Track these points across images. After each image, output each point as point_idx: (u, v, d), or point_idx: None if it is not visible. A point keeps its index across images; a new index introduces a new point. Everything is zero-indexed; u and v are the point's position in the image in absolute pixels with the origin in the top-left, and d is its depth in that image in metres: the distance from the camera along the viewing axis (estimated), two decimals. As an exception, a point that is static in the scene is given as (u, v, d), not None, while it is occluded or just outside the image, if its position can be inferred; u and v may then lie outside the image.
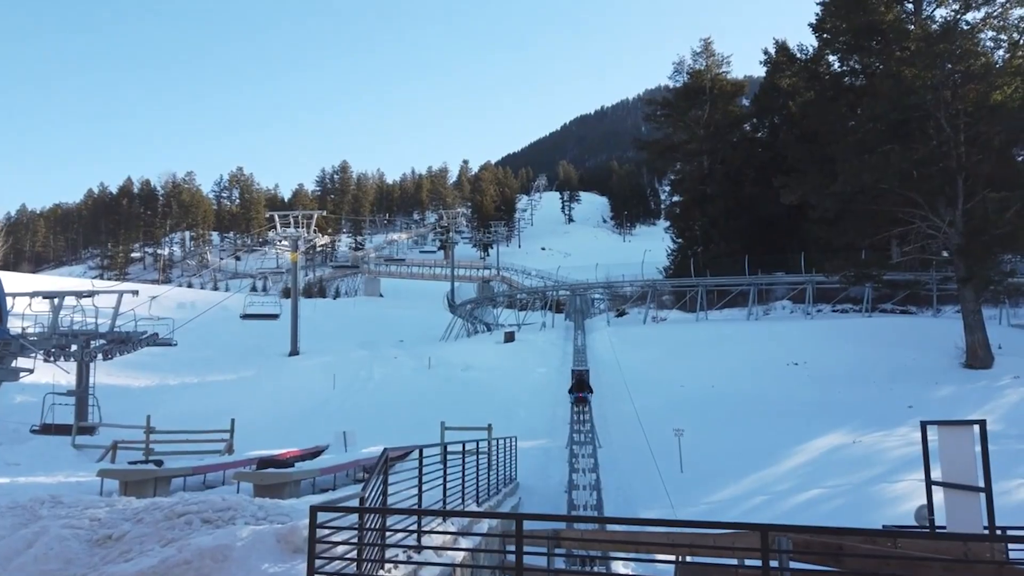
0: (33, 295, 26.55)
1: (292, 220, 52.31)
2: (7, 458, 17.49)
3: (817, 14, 36.27)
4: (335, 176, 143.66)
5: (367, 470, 16.85)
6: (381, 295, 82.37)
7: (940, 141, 26.85)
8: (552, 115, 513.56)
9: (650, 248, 69.17)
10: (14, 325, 24.58)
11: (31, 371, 24.33)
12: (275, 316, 38.81)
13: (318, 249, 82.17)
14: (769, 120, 50.93)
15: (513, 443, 17.18)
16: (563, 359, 33.55)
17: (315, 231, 53.19)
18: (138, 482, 13.00)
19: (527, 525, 6.93)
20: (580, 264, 66.43)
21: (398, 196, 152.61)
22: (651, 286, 44.36)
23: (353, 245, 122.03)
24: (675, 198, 64.60)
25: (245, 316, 39.22)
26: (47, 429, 21.87)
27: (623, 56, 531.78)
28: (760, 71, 54.91)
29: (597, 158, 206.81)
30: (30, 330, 25.75)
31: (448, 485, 9.81)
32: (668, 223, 64.98)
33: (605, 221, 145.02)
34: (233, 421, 20.21)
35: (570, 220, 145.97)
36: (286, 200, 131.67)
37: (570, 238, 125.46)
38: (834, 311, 38.44)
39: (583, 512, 16.07)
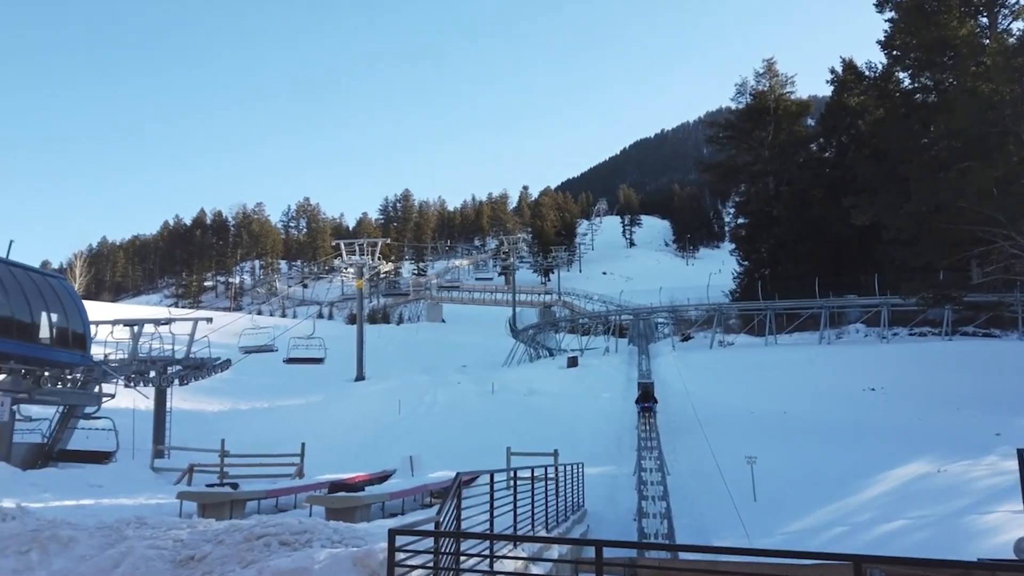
0: (114, 323, 27.72)
1: (357, 248, 53.56)
2: (91, 480, 18.16)
3: (886, 31, 35.47)
4: (398, 204, 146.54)
5: (435, 495, 16.94)
6: (443, 321, 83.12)
7: (1021, 158, 25.72)
8: (611, 139, 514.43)
9: (715, 271, 68.03)
10: (97, 352, 25.62)
11: (113, 396, 25.25)
12: (320, 360, 37.09)
13: (382, 276, 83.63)
14: (836, 140, 49.75)
15: (580, 469, 16.97)
16: (628, 384, 33.11)
17: (379, 258, 54.30)
18: (215, 504, 13.32)
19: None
20: (642, 288, 65.70)
21: (459, 223, 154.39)
22: (717, 310, 43.54)
23: (415, 272, 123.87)
24: (740, 220, 63.55)
25: (289, 360, 37.38)
26: (64, 455, 21.69)
27: (682, 79, 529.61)
28: (824, 90, 54.04)
29: (658, 181, 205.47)
30: (112, 357, 26.84)
31: (518, 511, 9.76)
32: (733, 245, 63.89)
33: (667, 244, 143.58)
34: (303, 445, 20.55)
35: (631, 244, 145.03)
36: (351, 229, 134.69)
37: (632, 262, 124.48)
38: (911, 335, 36.91)
39: (654, 540, 15.69)
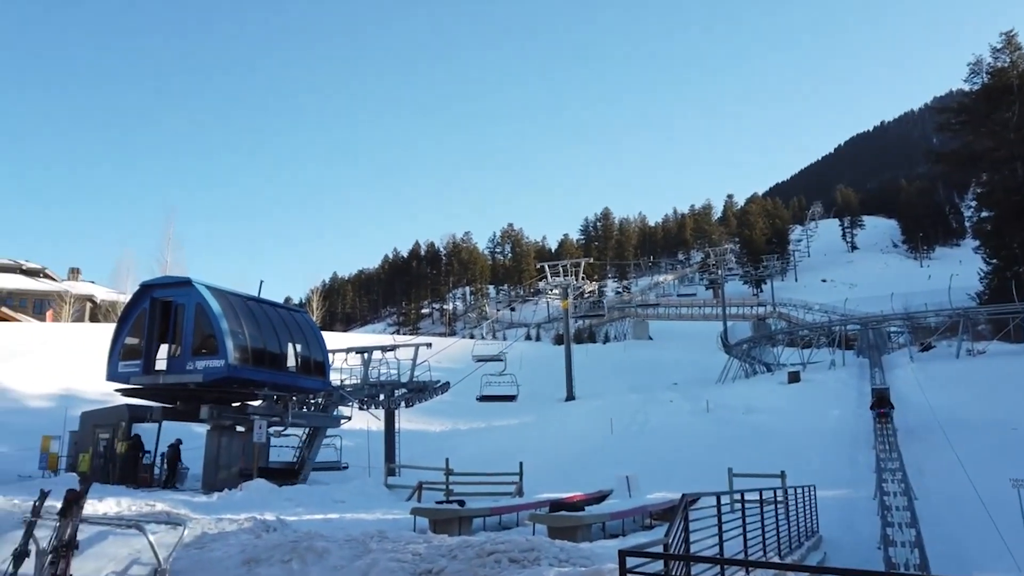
0: (347, 351, 30.38)
1: (560, 269, 54.51)
2: (335, 496, 19.89)
3: None
4: (598, 224, 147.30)
5: (655, 516, 16.54)
6: (650, 338, 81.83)
7: None
8: (822, 138, 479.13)
9: (956, 272, 60.77)
10: (334, 378, 28.14)
11: (349, 418, 27.60)
12: (513, 398, 36.51)
13: (586, 296, 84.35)
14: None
15: (811, 492, 15.76)
16: (860, 400, 30.37)
17: (582, 278, 54.82)
18: (445, 520, 13.98)
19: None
20: (869, 295, 60.37)
21: (661, 237, 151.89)
22: (963, 315, 38.70)
23: (618, 290, 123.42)
24: (983, 213, 56.43)
25: (483, 398, 37.08)
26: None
27: (901, 65, 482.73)
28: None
29: (880, 177, 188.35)
30: (346, 382, 29.39)
31: (747, 535, 9.23)
32: (977, 242, 56.97)
33: (896, 246, 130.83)
34: (521, 464, 21.03)
35: (853, 248, 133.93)
36: (553, 251, 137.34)
37: (855, 267, 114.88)
38: None
39: (904, 571, 14.08)
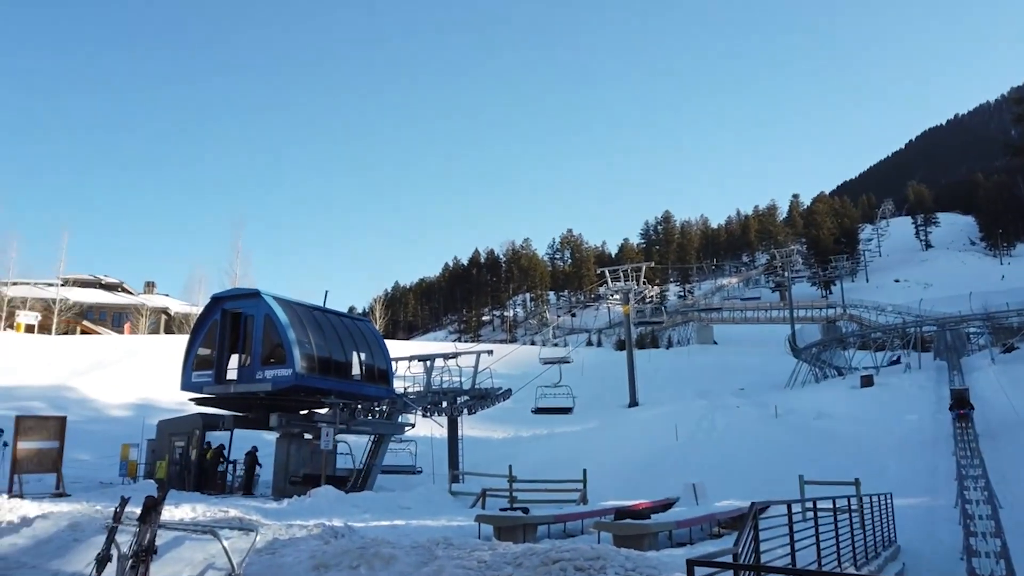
0: (410, 359, 30.76)
1: (621, 274, 54.04)
2: (400, 503, 20.12)
3: None
4: (658, 227, 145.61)
5: (723, 525, 16.17)
6: (715, 342, 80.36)
7: None
8: (892, 133, 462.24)
9: (1040, 269, 57.82)
10: (397, 385, 28.51)
11: (413, 425, 27.91)
12: (568, 410, 35.55)
13: (647, 301, 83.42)
14: None
15: (888, 500, 15.17)
16: (938, 404, 29.17)
17: (643, 283, 54.21)
18: (509, 528, 13.96)
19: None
20: (945, 295, 58.01)
21: (724, 240, 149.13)
22: (1048, 314, 36.83)
23: (681, 294, 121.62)
24: (1068, 206, 53.61)
25: (538, 410, 36.44)
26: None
27: (976, 55, 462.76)
28: None
29: (954, 173, 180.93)
30: (409, 389, 29.74)
31: (821, 544, 8.92)
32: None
33: (973, 243, 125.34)
34: (585, 471, 20.87)
35: (927, 246, 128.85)
36: (613, 255, 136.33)
37: (929, 266, 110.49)
38: None
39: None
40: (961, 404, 26.10)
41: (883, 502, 14.59)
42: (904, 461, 23.07)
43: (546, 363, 38.34)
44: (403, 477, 26.22)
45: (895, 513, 15.73)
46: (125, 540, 7.35)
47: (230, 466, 23.63)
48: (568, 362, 39.23)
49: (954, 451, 22.50)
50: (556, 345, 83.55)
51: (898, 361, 42.74)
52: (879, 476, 20.53)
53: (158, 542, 7.52)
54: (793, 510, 8.69)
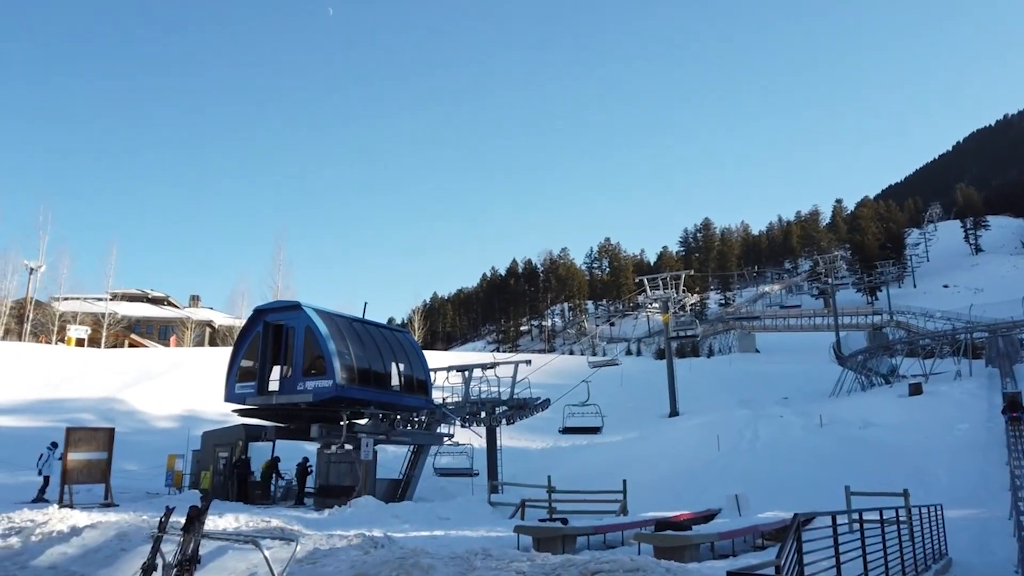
0: (449, 370, 30.85)
1: (660, 283, 53.55)
2: (440, 513, 20.18)
3: None
4: (698, 234, 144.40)
5: (766, 536, 15.87)
6: (757, 351, 79.13)
7: None
8: (938, 135, 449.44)
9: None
10: (436, 396, 28.62)
11: (452, 436, 27.96)
12: (597, 430, 34.65)
13: (687, 309, 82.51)
14: None
15: (938, 512, 14.72)
16: (991, 412, 28.30)
17: (683, 291, 53.62)
18: (549, 539, 13.89)
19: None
20: (997, 300, 56.43)
21: (765, 246, 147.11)
22: (1106, 318, 35.51)
23: (722, 301, 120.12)
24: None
25: (565, 430, 35.46)
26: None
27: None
28: None
29: (1005, 174, 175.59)
30: (448, 400, 29.83)
31: (867, 557, 8.68)
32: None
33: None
34: (624, 482, 20.67)
35: (977, 250, 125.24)
36: (651, 264, 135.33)
37: (980, 271, 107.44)
38: None
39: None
40: (1014, 407, 25.75)
41: (933, 513, 14.17)
42: (955, 471, 22.42)
43: (595, 367, 38.91)
44: (440, 487, 26.30)
45: (946, 525, 15.26)
46: (170, 549, 7.48)
47: (274, 477, 23.98)
48: (616, 364, 40.06)
49: (1008, 460, 21.77)
50: (597, 352, 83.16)
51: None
52: (929, 487, 20.02)
53: (202, 551, 7.63)
54: (839, 522, 8.48)
